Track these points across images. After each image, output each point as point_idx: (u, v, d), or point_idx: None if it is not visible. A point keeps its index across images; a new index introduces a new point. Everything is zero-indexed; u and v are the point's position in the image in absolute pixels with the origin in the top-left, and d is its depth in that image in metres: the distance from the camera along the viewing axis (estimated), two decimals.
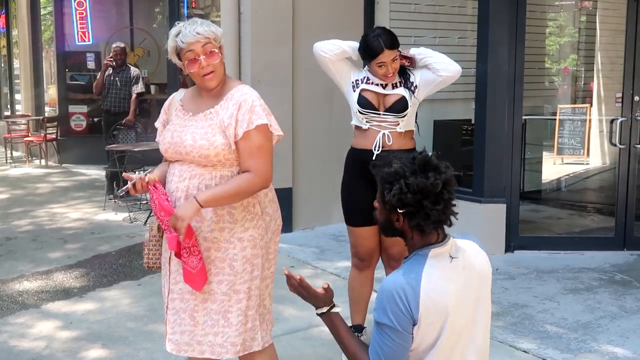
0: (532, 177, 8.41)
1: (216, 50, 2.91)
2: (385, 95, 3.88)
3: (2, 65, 16.00)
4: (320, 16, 6.84)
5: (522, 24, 6.02)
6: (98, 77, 9.15)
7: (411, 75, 3.90)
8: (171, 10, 8.59)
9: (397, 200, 2.23)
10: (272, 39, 6.68)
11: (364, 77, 3.94)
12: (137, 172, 3.03)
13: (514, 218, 6.19)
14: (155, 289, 4.99)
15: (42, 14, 13.11)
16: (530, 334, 4.38)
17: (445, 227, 2.34)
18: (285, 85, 6.74)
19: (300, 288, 2.45)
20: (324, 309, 2.43)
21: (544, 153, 8.61)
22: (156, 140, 3.16)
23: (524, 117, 7.77)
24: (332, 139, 6.83)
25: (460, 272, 2.29)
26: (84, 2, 11.87)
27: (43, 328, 4.57)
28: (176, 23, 2.99)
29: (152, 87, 11.67)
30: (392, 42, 3.78)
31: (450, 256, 2.30)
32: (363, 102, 3.89)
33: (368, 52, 3.82)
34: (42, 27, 13.14)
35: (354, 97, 3.93)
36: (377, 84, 3.89)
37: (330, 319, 2.42)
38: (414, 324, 2.19)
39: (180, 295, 2.97)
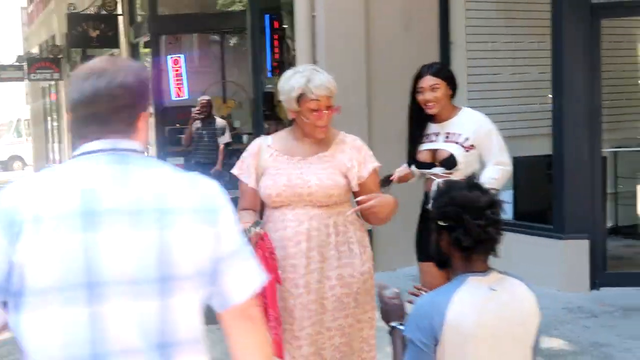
0: (627, 211, 8.11)
1: (335, 106, 3.06)
2: (437, 150, 3.89)
3: None
4: (392, 39, 6.92)
5: (597, 55, 5.95)
6: (186, 129, 9.58)
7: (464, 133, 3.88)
8: (254, 63, 8.90)
9: (439, 212, 2.28)
10: (346, 82, 6.81)
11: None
12: (251, 227, 2.92)
13: (599, 254, 6.00)
14: None
15: None
16: None
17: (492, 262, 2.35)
18: (361, 103, 6.79)
19: (386, 297, 2.51)
20: (394, 323, 2.47)
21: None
22: (250, 186, 3.15)
23: (614, 150, 7.63)
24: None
25: (499, 306, 2.27)
26: (178, 59, 12.49)
27: None
28: (295, 68, 3.15)
29: (245, 137, 12.06)
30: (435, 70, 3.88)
31: (491, 288, 2.30)
32: (417, 163, 3.98)
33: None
34: None
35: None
36: (429, 140, 3.93)
37: (395, 334, 2.47)
38: (436, 344, 2.21)
39: (308, 339, 3.03)
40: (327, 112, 3.00)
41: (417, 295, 2.55)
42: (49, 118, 24.08)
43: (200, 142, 9.43)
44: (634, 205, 8.19)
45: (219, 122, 9.49)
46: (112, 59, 1.71)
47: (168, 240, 1.56)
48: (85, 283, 1.52)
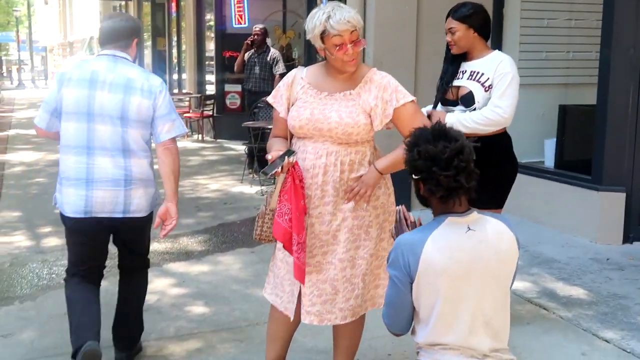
0: None
1: (361, 39, 3.11)
2: (460, 87, 3.97)
3: (174, 47, 17.21)
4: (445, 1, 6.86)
5: None
6: (239, 56, 9.70)
7: (486, 73, 3.91)
8: None
9: (410, 167, 2.39)
10: (396, 23, 6.82)
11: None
12: (285, 155, 3.05)
13: (634, 208, 5.95)
14: (266, 257, 5.31)
15: None
16: (619, 325, 4.28)
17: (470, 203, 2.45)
18: (408, 69, 6.85)
19: (405, 227, 2.66)
20: None
21: None
22: (281, 115, 3.26)
23: None
24: None
25: (474, 244, 2.38)
26: None
27: (159, 284, 5.07)
28: (321, 3, 3.15)
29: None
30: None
31: (468, 227, 2.40)
32: (443, 100, 4.09)
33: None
34: (206, 12, 14.01)
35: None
36: (458, 77, 4.00)
37: None
38: (412, 281, 2.35)
39: (318, 267, 3.17)
40: (351, 46, 3.05)
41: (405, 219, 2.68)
42: None
43: (252, 70, 9.54)
44: None
45: (272, 52, 9.55)
46: (119, 13, 3.60)
47: (127, 101, 3.42)
48: (86, 112, 3.40)
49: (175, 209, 3.58)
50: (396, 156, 3.12)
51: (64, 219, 3.52)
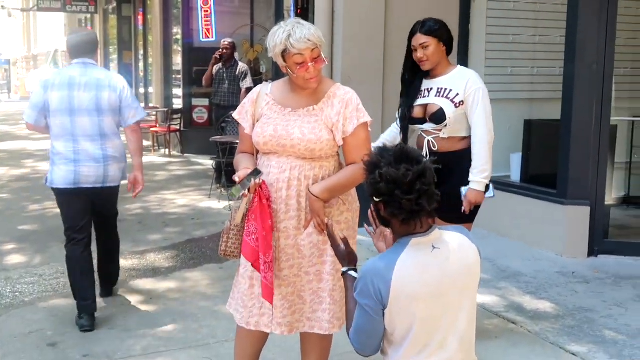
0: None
1: (323, 56, 3.11)
2: (427, 105, 3.98)
3: (140, 60, 17.10)
4: (412, 17, 6.90)
5: (613, 22, 5.85)
6: (207, 70, 9.68)
7: (455, 89, 3.95)
8: (277, 11, 8.93)
9: (372, 190, 2.38)
10: (364, 38, 6.85)
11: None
12: (250, 176, 3.04)
13: (599, 222, 6.04)
14: (234, 273, 5.31)
15: (173, 12, 13.92)
16: (585, 338, 4.32)
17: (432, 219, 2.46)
18: (376, 83, 6.87)
19: (337, 239, 2.69)
20: (345, 269, 2.63)
21: None
22: (246, 131, 3.27)
23: (629, 119, 7.57)
24: None
25: (442, 262, 2.38)
26: (209, 0, 12.49)
27: (126, 301, 5.00)
28: (279, 23, 3.13)
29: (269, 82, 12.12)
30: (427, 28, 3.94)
31: (433, 246, 2.41)
32: (410, 119, 4.10)
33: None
34: (173, 25, 13.95)
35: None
36: (422, 96, 4.02)
37: (346, 279, 2.61)
38: (384, 308, 2.34)
39: (286, 280, 3.17)
40: (312, 64, 3.05)
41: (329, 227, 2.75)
42: None
43: (220, 84, 9.53)
44: None
45: (241, 66, 9.56)
46: (81, 29, 4.42)
47: (99, 96, 4.48)
48: (69, 108, 4.44)
49: (142, 177, 4.81)
50: (337, 180, 3.13)
51: (58, 190, 4.58)
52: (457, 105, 3.90)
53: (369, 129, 3.21)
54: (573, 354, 4.10)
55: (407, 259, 2.36)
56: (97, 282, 4.88)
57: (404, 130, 4.15)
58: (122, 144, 4.70)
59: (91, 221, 4.74)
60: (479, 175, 3.91)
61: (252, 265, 3.09)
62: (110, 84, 4.54)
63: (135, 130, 4.70)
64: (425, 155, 3.89)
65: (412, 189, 2.30)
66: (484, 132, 3.90)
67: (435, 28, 3.92)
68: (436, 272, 2.37)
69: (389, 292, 2.32)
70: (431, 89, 4.00)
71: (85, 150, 4.48)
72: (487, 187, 3.97)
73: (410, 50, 4.04)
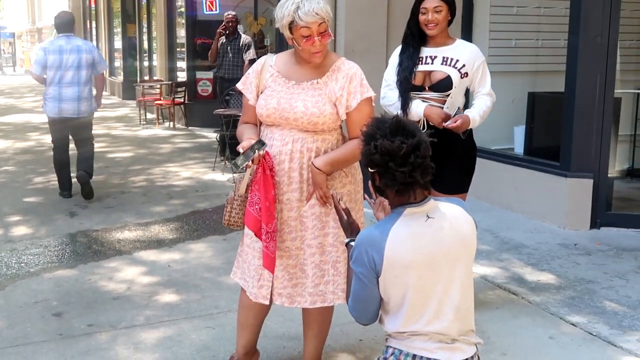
0: None
1: (329, 31, 3.10)
2: (431, 72, 3.96)
3: (144, 33, 17.04)
4: None
5: None
6: (212, 45, 9.65)
7: (461, 60, 3.94)
8: None
9: (366, 160, 2.39)
10: (367, 10, 6.82)
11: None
12: (255, 147, 3.03)
13: (601, 194, 6.04)
14: (238, 244, 5.36)
15: None
16: (586, 309, 4.35)
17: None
18: (379, 55, 6.86)
19: (341, 211, 2.69)
20: (347, 239, 2.66)
21: None
22: (250, 103, 3.25)
23: (634, 91, 7.54)
24: None
25: (435, 232, 2.40)
26: None
27: (129, 272, 5.05)
28: None
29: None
30: None
31: (427, 216, 2.43)
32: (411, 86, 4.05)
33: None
34: None
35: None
36: (424, 63, 3.97)
37: (348, 249, 2.62)
38: (378, 276, 2.36)
39: (287, 252, 3.20)
40: (319, 38, 3.05)
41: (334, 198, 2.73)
42: (88, 22, 24.30)
43: (225, 57, 9.51)
44: None
45: (244, 38, 9.53)
46: (64, 11, 7.77)
47: (80, 57, 7.13)
48: (59, 66, 7.11)
49: (100, 101, 7.59)
50: (340, 154, 3.14)
51: (49, 118, 7.20)
52: (463, 76, 3.90)
53: (372, 104, 3.21)
54: (573, 324, 4.13)
55: (401, 228, 2.38)
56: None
57: (404, 95, 4.00)
58: (91, 89, 7.22)
59: (68, 137, 7.27)
60: (477, 114, 3.93)
61: (255, 234, 3.11)
62: (87, 49, 7.17)
63: (101, 77, 7.45)
64: (422, 127, 3.88)
65: (406, 162, 2.32)
66: (490, 100, 3.98)
67: None
68: (429, 241, 2.39)
69: (382, 260, 2.34)
70: (435, 57, 3.95)
71: (66, 93, 7.01)
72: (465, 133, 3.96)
73: (415, 12, 3.98)
